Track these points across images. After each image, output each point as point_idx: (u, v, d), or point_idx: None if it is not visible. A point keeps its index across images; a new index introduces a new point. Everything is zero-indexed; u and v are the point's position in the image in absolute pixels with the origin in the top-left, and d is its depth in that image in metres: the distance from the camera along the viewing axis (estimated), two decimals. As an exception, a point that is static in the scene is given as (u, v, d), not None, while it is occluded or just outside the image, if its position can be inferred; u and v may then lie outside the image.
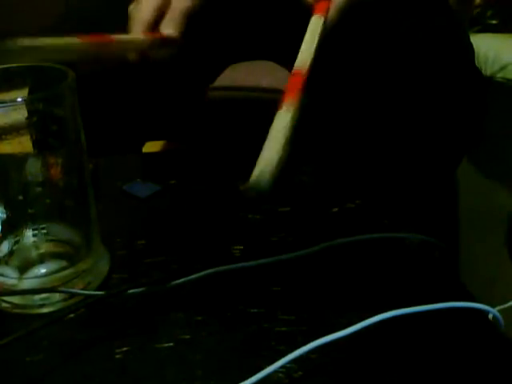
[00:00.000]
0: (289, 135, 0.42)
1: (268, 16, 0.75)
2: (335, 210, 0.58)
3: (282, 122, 0.43)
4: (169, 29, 0.57)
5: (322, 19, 0.55)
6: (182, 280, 0.47)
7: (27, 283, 0.46)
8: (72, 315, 0.45)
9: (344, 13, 0.57)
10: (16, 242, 0.48)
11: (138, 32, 0.58)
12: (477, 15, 1.39)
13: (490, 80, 1.21)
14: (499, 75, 1.23)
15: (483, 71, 1.07)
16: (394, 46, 0.67)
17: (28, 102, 0.42)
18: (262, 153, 0.41)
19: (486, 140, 0.77)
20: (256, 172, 0.40)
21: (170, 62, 0.59)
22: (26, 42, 0.43)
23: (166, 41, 0.57)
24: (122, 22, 0.61)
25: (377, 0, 0.60)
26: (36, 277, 0.47)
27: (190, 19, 0.58)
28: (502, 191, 1.24)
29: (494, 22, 1.39)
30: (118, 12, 0.62)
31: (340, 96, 0.71)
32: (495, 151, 1.24)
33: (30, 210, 0.47)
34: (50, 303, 0.46)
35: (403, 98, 0.68)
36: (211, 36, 0.71)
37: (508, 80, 1.22)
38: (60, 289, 0.46)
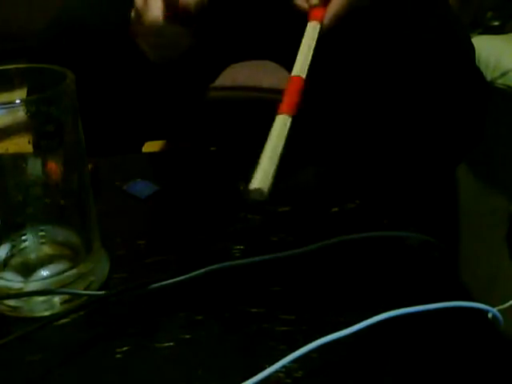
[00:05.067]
0: (285, 141, 0.42)
1: (268, 16, 0.75)
2: (335, 209, 0.58)
3: (280, 128, 0.44)
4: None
5: (319, 26, 0.55)
6: (182, 278, 0.47)
7: (32, 286, 0.46)
8: (72, 316, 0.45)
9: (340, 19, 0.57)
10: (15, 245, 0.48)
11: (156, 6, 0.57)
12: (477, 17, 1.39)
13: (490, 85, 1.21)
14: (499, 81, 1.23)
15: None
16: (394, 47, 0.67)
17: (27, 103, 0.42)
18: (260, 161, 0.41)
19: (487, 145, 0.77)
20: (255, 183, 0.40)
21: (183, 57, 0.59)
22: None
23: (182, 14, 0.57)
24: (119, 22, 0.61)
25: (374, 4, 0.60)
26: (40, 280, 0.46)
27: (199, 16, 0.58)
28: (502, 192, 1.24)
29: (495, 23, 1.39)
30: (115, 12, 0.62)
31: (340, 98, 0.71)
32: (496, 156, 1.24)
33: (29, 211, 0.47)
34: (51, 305, 0.46)
35: (403, 97, 0.68)
36: (212, 36, 0.71)
37: (508, 87, 1.22)
38: (62, 290, 0.46)
